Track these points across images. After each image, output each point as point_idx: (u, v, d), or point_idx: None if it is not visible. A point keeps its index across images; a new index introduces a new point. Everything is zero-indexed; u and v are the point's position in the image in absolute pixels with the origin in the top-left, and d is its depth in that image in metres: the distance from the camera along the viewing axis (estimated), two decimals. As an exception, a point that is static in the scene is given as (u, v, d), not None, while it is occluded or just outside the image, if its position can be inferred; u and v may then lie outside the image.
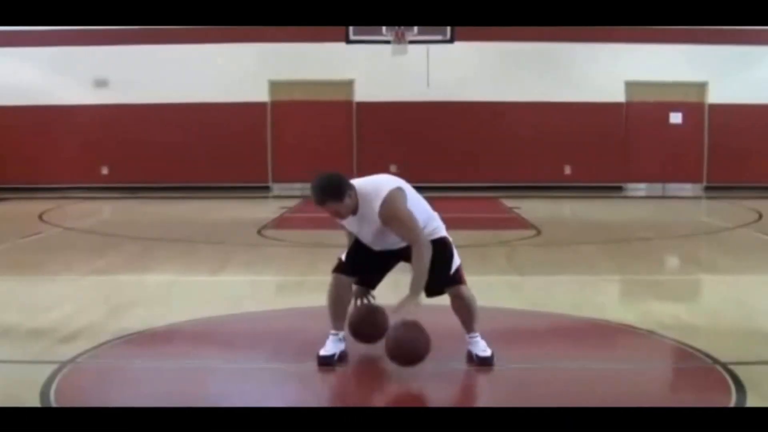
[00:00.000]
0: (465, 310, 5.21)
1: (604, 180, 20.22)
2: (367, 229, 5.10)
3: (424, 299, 5.04)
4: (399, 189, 5.03)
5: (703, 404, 4.51)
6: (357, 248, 5.28)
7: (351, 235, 5.36)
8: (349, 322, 5.32)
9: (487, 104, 19.93)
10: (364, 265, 5.26)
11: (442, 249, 5.12)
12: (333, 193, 4.93)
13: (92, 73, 19.79)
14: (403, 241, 5.09)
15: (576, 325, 6.49)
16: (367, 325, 5.35)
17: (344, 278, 5.23)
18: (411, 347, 4.93)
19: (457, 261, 5.19)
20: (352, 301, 5.39)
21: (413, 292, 4.93)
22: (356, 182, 5.06)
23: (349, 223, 5.16)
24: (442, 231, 5.23)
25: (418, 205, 5.13)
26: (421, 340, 4.94)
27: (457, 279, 5.17)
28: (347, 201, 4.95)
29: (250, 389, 4.95)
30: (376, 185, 5.04)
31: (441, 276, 5.09)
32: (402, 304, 4.91)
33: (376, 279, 5.40)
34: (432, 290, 5.16)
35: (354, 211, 5.03)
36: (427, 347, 4.95)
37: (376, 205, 4.95)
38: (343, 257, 5.30)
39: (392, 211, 4.94)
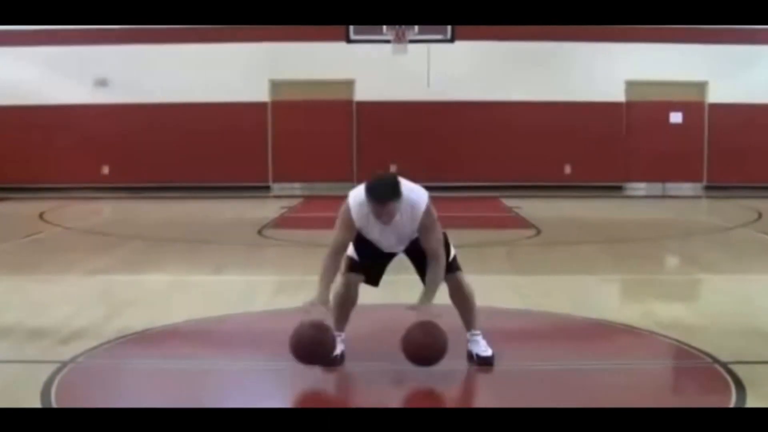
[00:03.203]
0: (465, 302, 5.23)
1: (604, 179, 20.22)
2: (398, 232, 5.08)
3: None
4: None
5: (703, 404, 4.52)
6: (367, 247, 5.21)
7: (339, 253, 5.12)
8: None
9: (488, 104, 19.93)
10: (375, 263, 5.24)
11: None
12: (398, 193, 4.92)
13: (92, 73, 19.80)
14: (407, 244, 5.13)
15: (576, 325, 6.49)
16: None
17: (355, 278, 5.21)
18: (430, 348, 4.97)
19: (452, 250, 5.24)
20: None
21: (428, 300, 5.01)
22: None
23: (373, 225, 5.08)
24: None
25: None
26: (440, 340, 4.96)
27: (455, 266, 5.22)
28: (399, 202, 4.96)
29: (250, 389, 4.96)
30: (414, 190, 5.05)
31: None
32: (420, 311, 4.97)
33: (381, 276, 5.37)
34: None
35: None
36: (445, 346, 4.97)
37: (420, 209, 4.98)
38: (355, 256, 5.23)
39: (432, 221, 5.03)
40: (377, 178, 5.00)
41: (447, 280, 5.19)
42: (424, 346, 4.96)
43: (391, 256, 5.32)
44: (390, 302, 5.52)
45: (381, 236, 5.13)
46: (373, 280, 5.35)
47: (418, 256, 5.18)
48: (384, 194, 4.88)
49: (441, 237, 5.07)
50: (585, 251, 10.70)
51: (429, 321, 4.95)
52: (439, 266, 5.03)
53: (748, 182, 19.67)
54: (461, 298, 5.24)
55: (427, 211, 5.00)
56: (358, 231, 5.11)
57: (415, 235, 5.12)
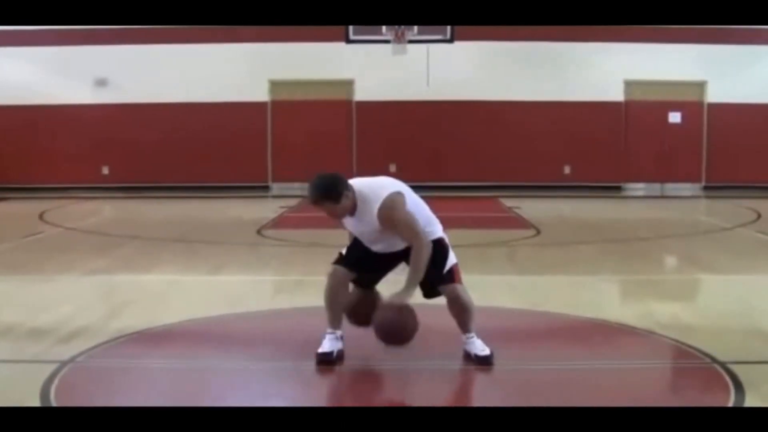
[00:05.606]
0: (461, 311, 5.21)
1: (603, 180, 20.24)
2: (366, 229, 5.13)
3: (408, 299, 5.05)
4: (398, 193, 5.05)
5: (702, 404, 4.52)
6: (357, 245, 5.30)
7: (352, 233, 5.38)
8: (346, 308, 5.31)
9: (487, 104, 19.95)
10: (363, 262, 5.25)
11: (435, 249, 5.13)
12: (329, 193, 4.97)
13: (92, 73, 19.81)
14: (401, 244, 5.13)
15: (575, 325, 6.50)
16: (362, 306, 5.31)
17: (341, 271, 5.22)
18: (399, 327, 5.02)
19: (452, 261, 5.21)
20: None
21: (407, 287, 4.99)
22: (356, 183, 5.08)
23: (348, 223, 5.19)
24: (438, 233, 5.24)
25: (416, 208, 5.15)
26: (409, 320, 5.01)
27: (450, 278, 5.16)
28: (344, 202, 4.98)
29: (250, 389, 4.96)
30: (375, 187, 5.06)
31: (432, 274, 5.12)
32: (392, 300, 4.99)
33: (374, 279, 5.39)
34: (428, 291, 5.21)
35: (351, 211, 5.05)
36: (415, 326, 5.03)
37: (375, 207, 4.97)
38: (344, 251, 5.32)
39: (391, 214, 4.97)
40: (315, 179, 5.07)
41: (443, 291, 5.18)
42: (387, 325, 5.02)
43: (386, 260, 5.28)
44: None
45: (357, 232, 5.21)
46: (364, 281, 5.34)
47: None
48: (313, 197, 5.02)
49: (411, 226, 4.98)
50: (584, 251, 10.71)
51: (389, 304, 5.02)
52: (417, 253, 4.97)
53: (746, 182, 19.69)
54: (458, 310, 5.22)
55: (383, 208, 4.96)
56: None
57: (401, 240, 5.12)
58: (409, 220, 5.00)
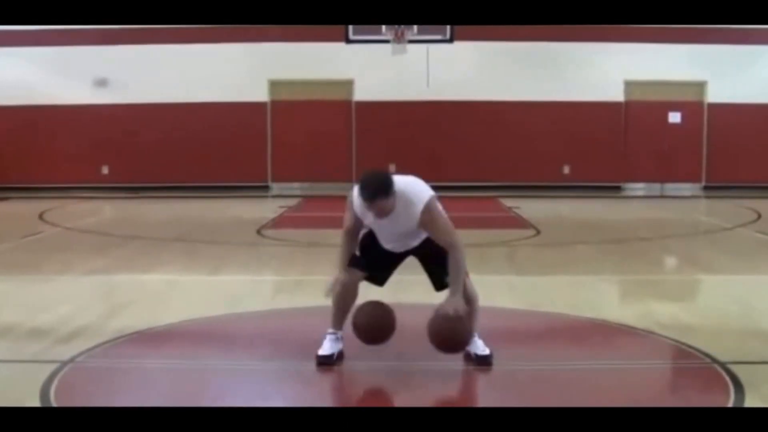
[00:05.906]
0: (467, 306, 5.22)
1: (602, 180, 20.24)
2: (397, 228, 5.12)
3: (462, 300, 5.06)
4: (434, 196, 5.13)
5: (701, 404, 4.52)
6: (371, 244, 5.29)
7: (350, 234, 5.32)
8: (358, 322, 5.28)
9: (487, 104, 19.95)
10: (377, 261, 5.28)
11: None
12: (385, 190, 4.94)
13: (92, 73, 19.81)
14: (414, 242, 5.20)
15: (575, 325, 6.50)
16: (379, 324, 5.30)
17: (354, 274, 5.23)
18: (453, 335, 5.04)
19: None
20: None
21: (453, 293, 5.02)
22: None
23: (377, 220, 5.14)
24: None
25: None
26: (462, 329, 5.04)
27: None
28: (392, 199, 4.98)
29: (250, 389, 4.96)
30: (415, 189, 5.09)
31: (443, 266, 5.13)
32: (445, 306, 4.99)
33: (386, 276, 5.42)
34: (437, 283, 5.27)
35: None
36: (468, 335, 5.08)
37: (418, 208, 5.00)
38: (357, 252, 5.30)
39: (432, 216, 5.04)
40: (367, 175, 5.06)
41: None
42: (445, 331, 5.01)
43: (398, 257, 5.33)
44: (390, 302, 5.51)
45: (383, 230, 5.19)
46: (378, 279, 5.40)
47: (425, 256, 5.22)
48: (369, 194, 4.95)
49: (448, 228, 5.09)
50: (584, 251, 10.71)
51: (449, 311, 4.99)
52: (456, 255, 5.03)
53: (746, 182, 19.69)
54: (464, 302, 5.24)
55: (426, 210, 5.02)
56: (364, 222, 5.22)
57: (422, 234, 5.15)
58: (447, 223, 5.12)
